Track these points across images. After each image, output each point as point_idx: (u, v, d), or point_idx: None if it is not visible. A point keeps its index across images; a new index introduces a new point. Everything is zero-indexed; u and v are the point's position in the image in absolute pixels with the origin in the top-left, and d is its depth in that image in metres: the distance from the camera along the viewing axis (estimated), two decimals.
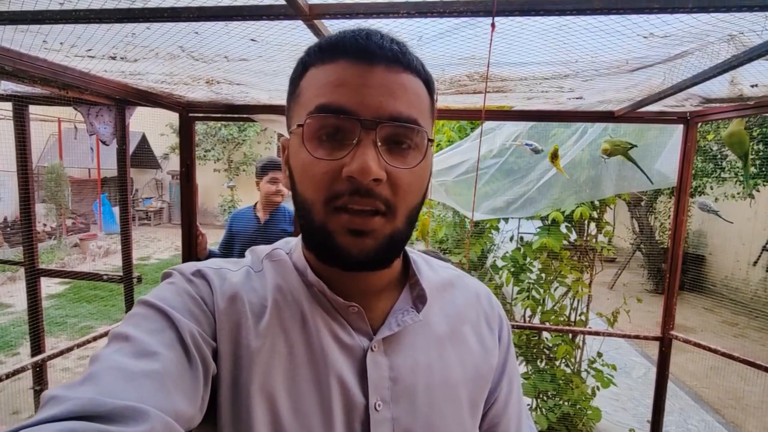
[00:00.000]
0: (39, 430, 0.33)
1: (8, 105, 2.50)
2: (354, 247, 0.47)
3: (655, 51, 1.31)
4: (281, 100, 2.30)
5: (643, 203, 6.43)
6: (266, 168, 2.55)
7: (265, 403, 0.47)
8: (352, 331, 0.53)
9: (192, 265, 0.54)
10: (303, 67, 0.50)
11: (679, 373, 4.42)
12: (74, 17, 1.15)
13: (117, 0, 1.09)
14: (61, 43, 1.44)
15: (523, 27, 1.14)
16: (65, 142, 8.83)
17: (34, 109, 2.57)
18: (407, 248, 0.60)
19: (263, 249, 0.59)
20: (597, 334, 2.45)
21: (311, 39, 1.27)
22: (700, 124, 2.19)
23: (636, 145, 2.27)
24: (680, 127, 2.20)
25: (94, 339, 2.02)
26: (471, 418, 0.57)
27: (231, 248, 2.55)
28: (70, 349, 1.89)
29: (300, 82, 0.50)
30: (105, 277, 2.68)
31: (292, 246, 0.59)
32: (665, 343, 2.29)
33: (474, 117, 2.44)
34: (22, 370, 1.60)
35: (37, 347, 2.55)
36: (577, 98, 1.93)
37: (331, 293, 0.53)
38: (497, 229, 3.23)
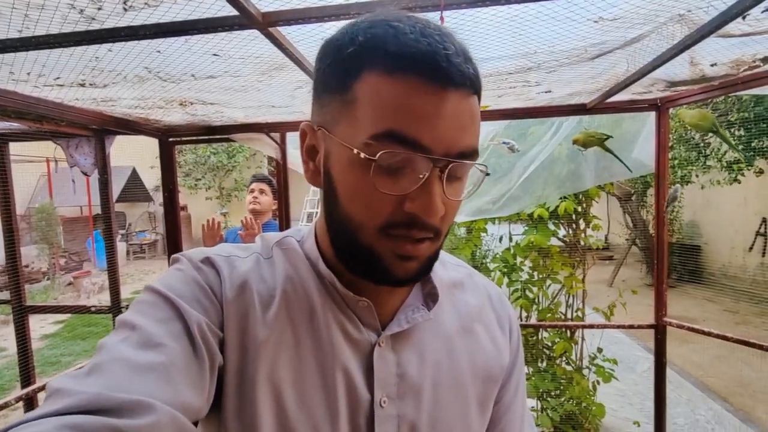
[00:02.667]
0: (42, 424, 0.33)
1: None
2: (400, 270, 0.47)
3: (610, 36, 1.33)
4: (257, 117, 2.32)
5: (633, 197, 6.47)
6: (253, 180, 2.74)
7: (270, 394, 0.47)
8: (361, 325, 0.52)
9: (201, 252, 0.52)
10: (359, 63, 0.44)
11: (684, 364, 4.38)
12: (34, 44, 1.16)
13: (73, 23, 1.10)
14: (28, 73, 1.46)
15: (475, 20, 1.16)
16: (55, 182, 8.84)
17: (22, 150, 2.58)
18: None
19: (273, 236, 0.58)
20: (591, 326, 2.44)
21: (272, 49, 1.29)
22: (671, 109, 2.22)
23: (611, 136, 2.29)
24: (652, 114, 2.23)
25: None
26: (479, 417, 0.57)
27: None
28: None
29: (354, 83, 0.44)
30: (93, 308, 2.66)
31: (303, 235, 0.58)
32: (660, 330, 2.28)
33: None
34: (6, 406, 1.57)
35: (27, 382, 2.51)
36: (546, 92, 1.95)
37: (342, 287, 0.52)
38: (485, 230, 3.24)
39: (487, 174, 0.50)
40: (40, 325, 6.05)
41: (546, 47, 1.37)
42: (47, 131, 2.27)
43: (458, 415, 0.54)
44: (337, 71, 0.46)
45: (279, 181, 2.56)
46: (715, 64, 1.58)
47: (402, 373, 0.52)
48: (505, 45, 1.39)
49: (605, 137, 2.29)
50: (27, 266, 7.71)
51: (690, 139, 5.50)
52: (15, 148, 2.76)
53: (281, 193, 2.56)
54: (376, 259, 0.47)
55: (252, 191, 2.66)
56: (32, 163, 7.97)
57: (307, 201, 10.53)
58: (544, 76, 1.67)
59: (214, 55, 1.35)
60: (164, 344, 0.42)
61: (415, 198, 0.44)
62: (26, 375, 2.48)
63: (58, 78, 1.52)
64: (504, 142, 2.16)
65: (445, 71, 0.42)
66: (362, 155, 0.43)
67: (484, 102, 2.24)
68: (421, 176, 0.43)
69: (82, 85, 1.60)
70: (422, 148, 0.42)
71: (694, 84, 1.85)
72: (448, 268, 0.63)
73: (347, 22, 0.48)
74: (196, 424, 0.45)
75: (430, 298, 0.57)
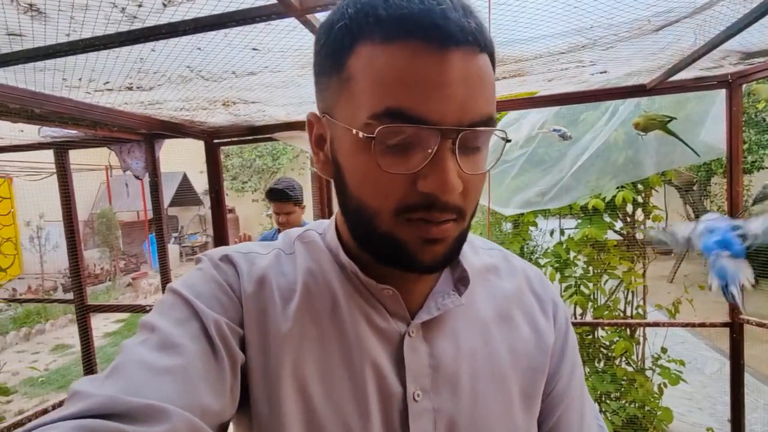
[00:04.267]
0: (57, 427, 0.33)
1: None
2: (427, 255, 0.44)
3: (678, 2, 1.20)
4: (298, 115, 2.32)
5: (695, 187, 6.02)
6: (269, 198, 2.54)
7: (296, 389, 0.46)
8: (388, 315, 0.50)
9: (221, 250, 0.52)
10: (351, 37, 0.41)
11: (759, 366, 4.01)
12: (81, 47, 1.19)
13: (117, 23, 1.11)
14: (79, 79, 1.51)
15: None
16: (113, 188, 9.38)
17: (83, 159, 2.72)
18: None
19: (296, 231, 0.57)
20: (656, 325, 2.24)
21: (310, 39, 1.26)
22: (744, 85, 2.00)
23: (674, 118, 2.11)
24: (722, 92, 2.03)
25: None
26: (524, 412, 0.51)
27: None
28: None
29: (348, 59, 0.41)
30: (147, 308, 2.76)
31: (325, 227, 0.56)
32: (736, 329, 2.07)
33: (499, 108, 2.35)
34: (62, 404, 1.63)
35: None
36: (601, 72, 1.81)
37: (365, 276, 0.49)
38: (534, 224, 3.09)
39: (508, 141, 0.46)
40: (103, 324, 6.42)
41: (604, 20, 1.26)
42: (101, 137, 2.37)
43: (500, 409, 0.50)
44: (330, 50, 0.43)
45: (321, 178, 2.54)
46: None
47: (436, 364, 0.49)
48: (557, 21, 1.29)
49: (668, 119, 2.11)
50: (98, 272, 8.23)
51: (761, 120, 5.04)
52: (76, 157, 2.92)
53: (323, 192, 2.54)
54: (399, 246, 0.44)
55: (277, 214, 2.50)
56: (93, 171, 8.51)
57: None
58: (600, 55, 1.54)
59: (254, 49, 1.33)
60: (182, 345, 0.41)
61: (427, 175, 0.40)
62: (90, 371, 2.61)
63: (107, 82, 1.56)
64: (555, 130, 2.03)
65: (443, 28, 0.37)
66: (362, 135, 0.40)
67: (532, 87, 2.12)
68: (430, 151, 0.40)
69: (130, 89, 1.64)
70: (428, 121, 0.39)
71: None
72: (479, 253, 0.59)
73: None
74: (224, 427, 0.44)
75: (461, 282, 0.53)
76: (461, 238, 0.47)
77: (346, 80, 0.42)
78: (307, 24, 1.10)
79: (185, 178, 11.38)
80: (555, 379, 0.55)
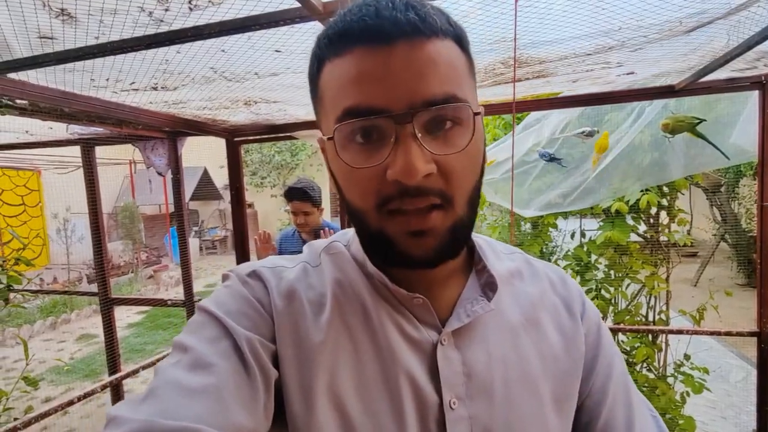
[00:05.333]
0: None
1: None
2: (415, 248, 0.45)
3: (712, 3, 1.16)
4: None
5: (722, 188, 5.85)
6: (288, 196, 2.52)
7: (332, 402, 0.46)
8: (419, 324, 0.50)
9: (248, 266, 0.53)
10: (318, 62, 0.46)
11: None
12: (110, 49, 1.21)
13: (144, 27, 1.13)
14: (107, 79, 1.54)
15: None
16: (136, 182, 9.58)
17: (107, 153, 2.78)
18: None
19: (321, 243, 0.57)
20: (680, 332, 2.18)
21: None
22: None
23: (704, 120, 2.04)
24: (755, 94, 1.96)
25: (158, 361, 2.10)
26: (557, 416, 0.51)
27: None
28: (135, 372, 1.98)
29: (318, 81, 0.46)
30: (169, 302, 2.81)
31: (349, 237, 0.57)
32: (764, 339, 2.00)
33: (517, 109, 2.32)
34: (92, 393, 1.68)
35: (114, 370, 2.71)
36: (628, 74, 1.77)
37: (393, 285, 0.49)
38: (555, 226, 3.04)
39: (477, 114, 0.45)
40: (126, 315, 6.58)
41: (633, 22, 1.22)
42: (126, 135, 2.42)
43: (533, 414, 0.50)
44: (310, 78, 0.48)
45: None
46: None
47: (469, 372, 0.49)
48: (584, 22, 1.26)
49: (697, 121, 2.05)
50: (121, 264, 8.44)
51: None
52: (101, 151, 2.99)
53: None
54: (389, 242, 0.45)
55: (295, 213, 2.47)
56: (117, 166, 8.71)
57: None
58: (628, 56, 1.51)
59: (276, 51, 1.34)
60: (214, 364, 0.42)
61: (391, 164, 0.42)
62: (113, 361, 2.68)
63: (133, 82, 1.59)
64: (581, 132, 1.99)
65: (382, 29, 0.40)
66: (328, 139, 0.44)
67: (556, 88, 2.08)
68: (391, 140, 0.42)
69: (155, 89, 1.67)
70: (376, 110, 0.41)
71: None
72: (502, 258, 0.58)
73: None
74: None
75: (489, 287, 0.53)
76: (456, 229, 0.45)
77: (320, 99, 0.46)
78: None
79: (206, 173, 11.55)
80: (592, 377, 0.54)
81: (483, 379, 0.49)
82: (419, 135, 0.41)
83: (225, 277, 0.52)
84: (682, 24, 1.28)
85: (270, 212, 12.27)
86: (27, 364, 1.64)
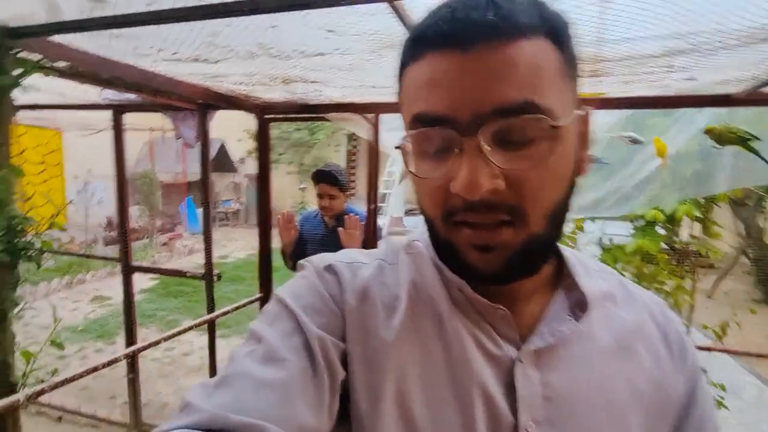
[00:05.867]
0: None
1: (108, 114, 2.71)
2: (481, 263, 0.43)
3: None
4: (353, 97, 2.27)
5: (751, 202, 5.70)
6: (315, 178, 2.47)
7: (399, 407, 0.44)
8: (498, 337, 0.47)
9: (325, 258, 0.52)
10: (401, 65, 0.45)
11: None
12: (162, 17, 1.17)
13: None
14: (150, 47, 1.50)
15: None
16: (156, 149, 9.61)
17: (128, 120, 2.75)
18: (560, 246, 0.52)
19: (401, 240, 0.56)
20: (709, 349, 2.11)
21: (389, 26, 1.20)
22: None
23: (758, 138, 1.92)
24: None
25: (179, 333, 2.11)
26: None
27: (301, 250, 2.52)
28: (157, 342, 1.99)
29: (401, 84, 0.45)
30: (188, 274, 2.81)
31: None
32: None
33: None
34: (116, 360, 1.69)
35: (130, 338, 2.74)
36: (687, 79, 1.68)
37: (474, 293, 0.47)
38: (582, 229, 2.98)
39: (553, 127, 0.39)
40: (139, 279, 6.66)
41: (714, 26, 1.15)
42: (159, 104, 2.39)
43: None
44: (397, 79, 0.47)
45: (370, 162, 2.50)
46: None
47: (549, 395, 0.45)
48: (658, 23, 1.18)
49: (749, 137, 1.95)
50: (138, 228, 8.53)
51: None
52: (125, 118, 2.96)
53: (371, 176, 2.50)
54: (455, 251, 0.44)
55: (321, 196, 2.45)
56: (137, 131, 8.72)
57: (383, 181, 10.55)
58: (696, 61, 1.42)
59: (329, 31, 1.28)
60: (286, 359, 0.42)
61: (454, 176, 0.40)
62: (129, 324, 2.72)
63: (175, 53, 1.54)
64: (626, 136, 1.91)
65: (455, 34, 0.38)
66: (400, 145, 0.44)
67: (605, 88, 2.00)
68: (457, 151, 0.40)
69: (196, 60, 1.63)
70: (443, 120, 0.39)
71: None
72: (593, 276, 0.53)
73: None
74: None
75: (578, 307, 0.49)
76: (531, 246, 0.42)
77: (401, 103, 0.45)
78: (396, 10, 1.04)
79: (223, 146, 11.56)
80: (685, 427, 0.50)
81: (565, 405, 0.45)
82: (487, 147, 0.39)
83: (301, 267, 0.52)
84: (764, 29, 1.20)
85: (284, 189, 12.26)
86: (54, 329, 1.65)
